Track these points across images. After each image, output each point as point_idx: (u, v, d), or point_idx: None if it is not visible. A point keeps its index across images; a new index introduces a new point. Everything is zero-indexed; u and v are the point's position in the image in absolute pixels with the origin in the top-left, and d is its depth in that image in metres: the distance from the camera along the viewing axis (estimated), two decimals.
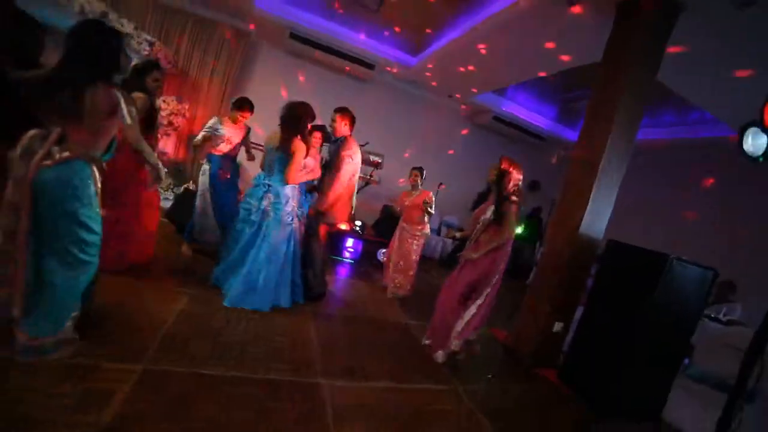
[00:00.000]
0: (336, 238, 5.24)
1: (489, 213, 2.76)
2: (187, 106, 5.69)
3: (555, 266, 3.26)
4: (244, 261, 2.86)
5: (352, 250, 5.34)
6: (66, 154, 1.61)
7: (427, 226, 4.12)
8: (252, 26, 6.06)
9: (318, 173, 3.22)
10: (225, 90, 6.16)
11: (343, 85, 6.91)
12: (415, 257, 4.06)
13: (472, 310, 2.64)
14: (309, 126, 3.02)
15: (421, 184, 4.22)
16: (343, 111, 3.28)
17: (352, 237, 5.34)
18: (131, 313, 2.30)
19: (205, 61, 6.04)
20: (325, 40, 5.94)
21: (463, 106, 7.68)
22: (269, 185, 2.90)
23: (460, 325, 2.65)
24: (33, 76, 1.63)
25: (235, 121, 3.59)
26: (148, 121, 2.67)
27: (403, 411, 2.11)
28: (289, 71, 6.64)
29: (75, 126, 1.63)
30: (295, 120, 2.89)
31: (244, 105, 3.57)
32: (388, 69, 6.63)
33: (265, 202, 2.86)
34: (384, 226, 5.87)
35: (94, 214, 1.73)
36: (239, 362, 2.12)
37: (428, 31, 5.37)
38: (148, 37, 4.84)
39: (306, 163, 3.11)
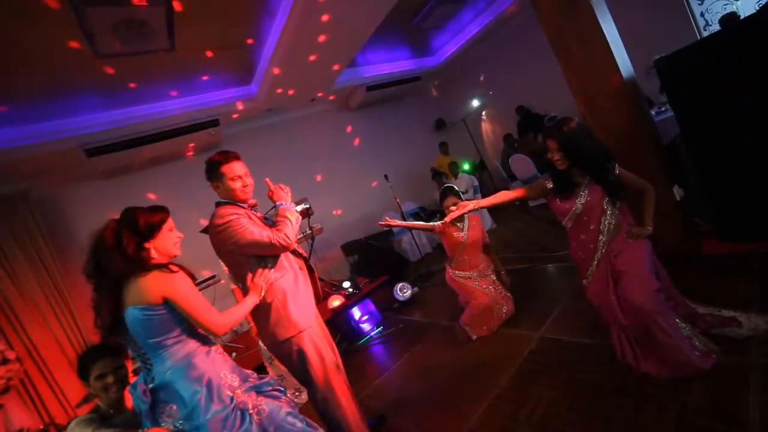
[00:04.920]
0: (341, 325, 3.77)
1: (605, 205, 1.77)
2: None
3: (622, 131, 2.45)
4: None
5: (366, 317, 3.93)
6: None
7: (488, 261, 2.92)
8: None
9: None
10: (54, 286, 4.03)
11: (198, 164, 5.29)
12: (501, 287, 2.86)
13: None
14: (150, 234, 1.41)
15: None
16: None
17: (354, 306, 3.92)
18: None
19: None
20: (137, 130, 4.29)
21: (332, 97, 6.65)
22: (152, 390, 1.31)
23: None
24: None
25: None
26: None
27: None
28: (121, 196, 4.75)
29: None
30: (105, 252, 1.31)
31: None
32: (237, 107, 5.20)
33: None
34: (370, 262, 4.56)
35: None
36: None
37: (250, 41, 4.13)
38: None
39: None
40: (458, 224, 2.84)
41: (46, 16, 2.60)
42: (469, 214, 2.88)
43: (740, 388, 1.44)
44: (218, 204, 1.75)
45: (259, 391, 1.46)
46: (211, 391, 1.32)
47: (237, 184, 1.71)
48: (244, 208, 1.75)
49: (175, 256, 1.47)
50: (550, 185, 1.85)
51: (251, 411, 1.37)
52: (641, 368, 1.69)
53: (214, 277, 4.06)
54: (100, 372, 1.55)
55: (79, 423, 1.50)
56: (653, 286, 1.62)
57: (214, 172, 1.74)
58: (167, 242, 1.44)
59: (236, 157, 1.75)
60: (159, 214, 1.44)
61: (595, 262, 1.78)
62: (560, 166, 1.78)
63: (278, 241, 1.64)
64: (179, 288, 1.32)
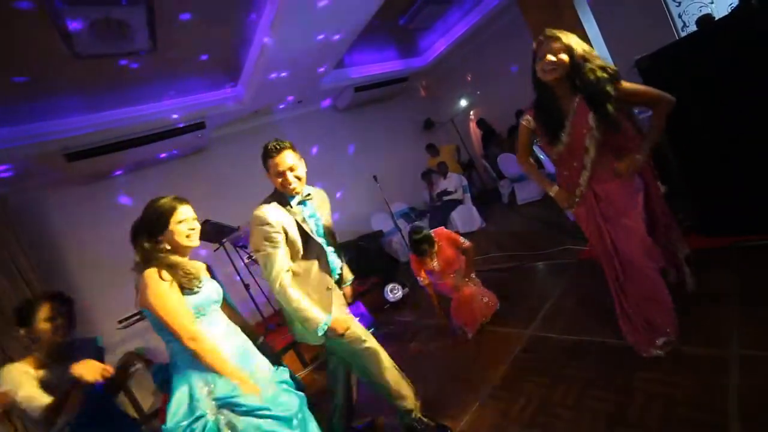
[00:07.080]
0: None
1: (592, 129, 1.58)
2: None
3: None
4: None
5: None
6: None
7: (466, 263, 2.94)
8: None
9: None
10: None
11: (188, 166, 5.22)
12: (479, 282, 2.95)
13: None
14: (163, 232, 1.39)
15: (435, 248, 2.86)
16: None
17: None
18: None
19: None
20: (119, 134, 4.19)
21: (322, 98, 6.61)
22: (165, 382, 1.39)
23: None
24: None
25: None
26: None
27: None
28: (103, 202, 4.64)
29: None
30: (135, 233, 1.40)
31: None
32: (223, 109, 5.12)
33: None
34: (360, 263, 4.54)
35: None
36: None
37: (235, 41, 4.07)
38: None
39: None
40: (430, 261, 2.85)
41: (20, 16, 2.53)
42: (435, 231, 2.91)
43: (721, 379, 1.48)
44: (266, 200, 1.75)
45: (235, 410, 1.27)
46: (182, 398, 1.27)
47: (278, 180, 1.73)
48: (290, 206, 1.76)
49: (192, 247, 1.44)
50: (531, 124, 1.72)
51: (222, 425, 1.26)
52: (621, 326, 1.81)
53: None
54: (50, 314, 1.49)
55: (14, 367, 1.42)
56: (647, 241, 1.66)
57: (263, 162, 1.76)
58: (177, 235, 1.38)
59: (281, 152, 1.71)
60: (165, 205, 1.39)
61: (577, 197, 1.76)
62: (553, 75, 1.52)
63: (275, 288, 1.62)
64: (149, 296, 1.26)
